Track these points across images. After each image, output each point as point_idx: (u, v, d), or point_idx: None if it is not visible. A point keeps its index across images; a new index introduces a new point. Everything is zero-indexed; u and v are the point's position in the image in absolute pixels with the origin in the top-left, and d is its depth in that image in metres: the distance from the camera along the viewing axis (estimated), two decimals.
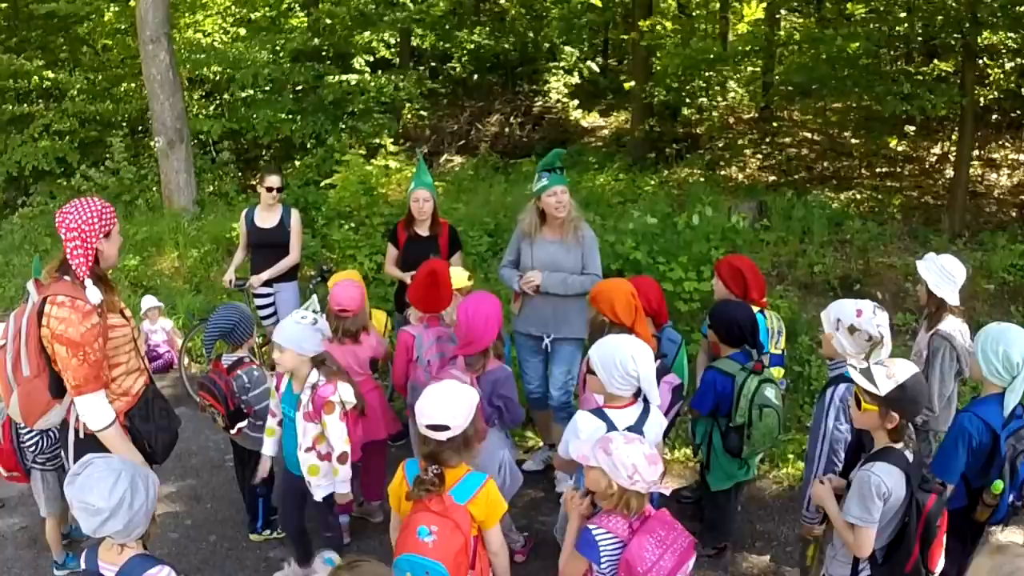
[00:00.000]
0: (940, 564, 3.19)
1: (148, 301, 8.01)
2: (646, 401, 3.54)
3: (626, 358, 3.41)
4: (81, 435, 3.64)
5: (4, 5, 15.11)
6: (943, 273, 4.33)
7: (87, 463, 2.68)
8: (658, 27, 13.55)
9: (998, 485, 3.56)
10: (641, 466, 2.93)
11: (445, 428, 3.13)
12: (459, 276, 5.41)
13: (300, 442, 4.24)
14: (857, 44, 10.45)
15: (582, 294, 5.19)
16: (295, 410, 4.24)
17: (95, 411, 3.52)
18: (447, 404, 3.17)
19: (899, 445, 3.09)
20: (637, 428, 3.44)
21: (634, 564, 2.90)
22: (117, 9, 14.44)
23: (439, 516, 3.10)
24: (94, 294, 3.46)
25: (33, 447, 4.53)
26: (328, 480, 4.28)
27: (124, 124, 14.26)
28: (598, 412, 3.52)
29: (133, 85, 14.61)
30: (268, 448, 4.54)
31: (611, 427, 3.41)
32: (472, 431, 3.25)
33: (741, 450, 4.35)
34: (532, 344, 5.49)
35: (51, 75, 14.06)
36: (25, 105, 14.05)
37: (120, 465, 2.70)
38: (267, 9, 15.33)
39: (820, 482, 3.41)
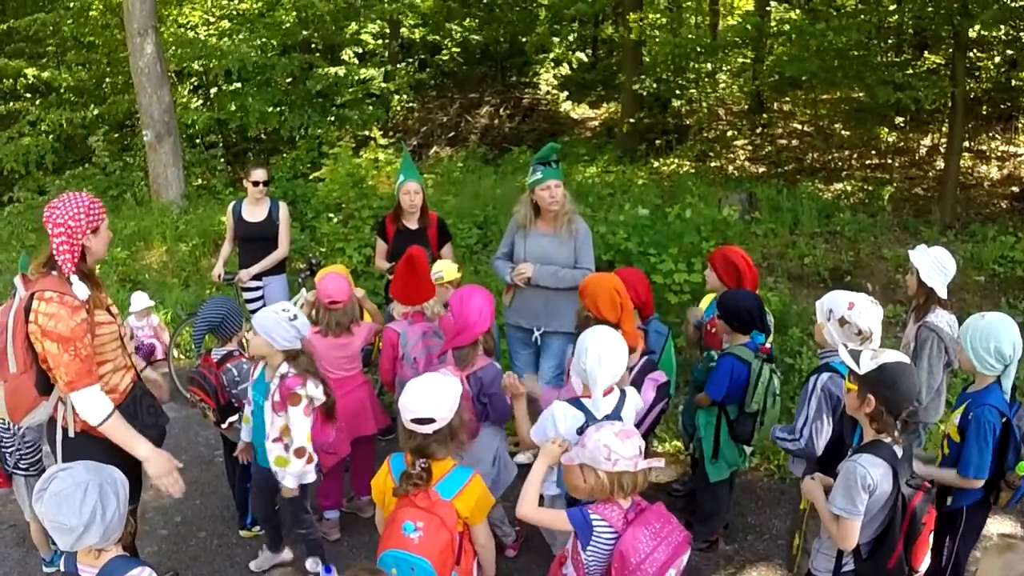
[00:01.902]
0: (925, 563, 3.17)
1: (140, 300, 7.77)
2: (623, 389, 3.57)
3: (583, 348, 3.44)
4: (70, 433, 3.58)
5: None
6: (935, 263, 4.32)
7: (50, 478, 2.57)
8: (647, 19, 13.50)
9: (1023, 467, 3.55)
10: (613, 444, 2.95)
11: (431, 421, 3.12)
12: (449, 269, 5.39)
13: (268, 432, 4.22)
14: (847, 37, 10.44)
15: (574, 288, 5.17)
16: (264, 398, 4.22)
17: (92, 405, 3.46)
18: (430, 397, 3.16)
19: (888, 439, 3.06)
20: (615, 415, 3.46)
21: (628, 555, 2.90)
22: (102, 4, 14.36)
23: (425, 512, 3.08)
24: (81, 290, 3.42)
25: (12, 449, 4.48)
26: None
27: (110, 119, 14.16)
28: (575, 402, 3.52)
29: (120, 79, 14.51)
30: (245, 434, 4.56)
31: (589, 416, 3.42)
32: (458, 422, 3.24)
33: (752, 437, 4.38)
34: (522, 336, 5.47)
35: (33, 72, 13.94)
36: (11, 103, 13.93)
37: (85, 476, 2.57)
38: (255, 1, 15.23)
39: (811, 478, 3.40)
